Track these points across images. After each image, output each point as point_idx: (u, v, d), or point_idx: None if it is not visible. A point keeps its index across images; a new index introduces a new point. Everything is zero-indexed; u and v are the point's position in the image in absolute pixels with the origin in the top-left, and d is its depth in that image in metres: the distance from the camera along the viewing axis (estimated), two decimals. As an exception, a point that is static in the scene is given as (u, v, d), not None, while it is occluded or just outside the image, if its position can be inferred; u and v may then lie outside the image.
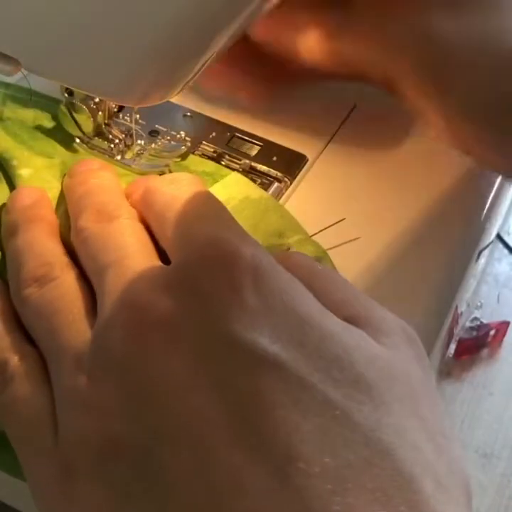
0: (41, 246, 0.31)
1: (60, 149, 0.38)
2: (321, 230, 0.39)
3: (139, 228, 0.30)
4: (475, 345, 0.47)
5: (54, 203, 0.35)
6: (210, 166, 0.40)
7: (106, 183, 0.33)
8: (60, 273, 0.29)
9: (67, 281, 0.29)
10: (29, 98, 0.40)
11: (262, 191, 0.39)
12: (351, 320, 0.26)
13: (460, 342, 0.46)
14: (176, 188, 0.31)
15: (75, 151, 0.39)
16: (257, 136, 0.43)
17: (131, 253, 0.28)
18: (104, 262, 0.28)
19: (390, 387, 0.24)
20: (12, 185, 0.36)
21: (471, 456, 0.44)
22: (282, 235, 0.36)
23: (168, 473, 0.22)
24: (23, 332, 0.29)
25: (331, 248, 0.37)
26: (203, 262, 0.26)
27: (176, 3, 0.28)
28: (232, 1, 0.30)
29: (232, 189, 0.38)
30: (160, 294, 0.25)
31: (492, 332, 0.47)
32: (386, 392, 0.24)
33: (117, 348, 0.25)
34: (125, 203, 0.32)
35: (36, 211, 0.33)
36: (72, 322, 0.27)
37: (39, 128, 0.39)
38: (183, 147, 0.41)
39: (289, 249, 0.36)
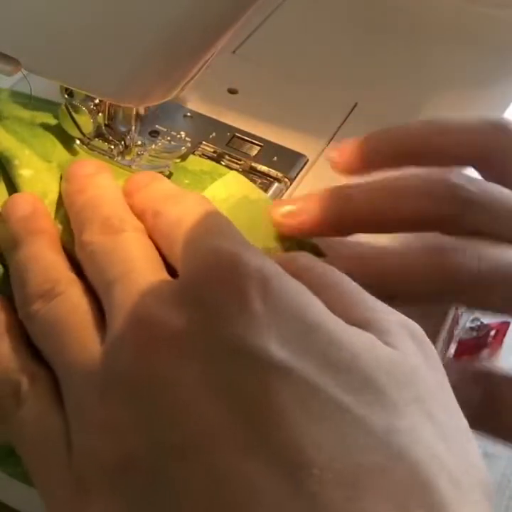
0: (45, 260, 0.31)
1: (59, 146, 0.38)
2: None
3: (146, 242, 0.30)
4: (475, 346, 0.47)
5: (53, 207, 0.35)
6: (208, 164, 0.40)
7: (106, 193, 0.33)
8: (66, 288, 0.29)
9: (74, 296, 0.29)
10: (28, 102, 0.40)
11: (261, 192, 0.39)
12: (357, 323, 0.26)
13: (460, 342, 0.46)
14: (182, 208, 0.31)
15: (75, 153, 0.39)
16: (257, 137, 0.43)
17: (138, 267, 0.28)
18: (111, 276, 0.28)
19: (399, 390, 0.24)
20: (11, 184, 0.36)
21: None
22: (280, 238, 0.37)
23: (182, 487, 0.23)
24: (32, 349, 0.29)
25: None
26: (208, 273, 0.26)
27: (175, 4, 0.28)
28: (233, 2, 0.30)
29: (231, 187, 0.38)
30: (167, 309, 0.25)
31: (492, 332, 0.47)
32: (396, 396, 0.24)
33: (128, 365, 0.25)
34: (129, 214, 0.32)
35: (36, 222, 0.33)
36: (80, 338, 0.27)
37: (39, 126, 0.39)
38: (184, 148, 0.41)
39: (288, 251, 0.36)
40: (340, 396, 0.23)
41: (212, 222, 0.30)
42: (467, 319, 0.47)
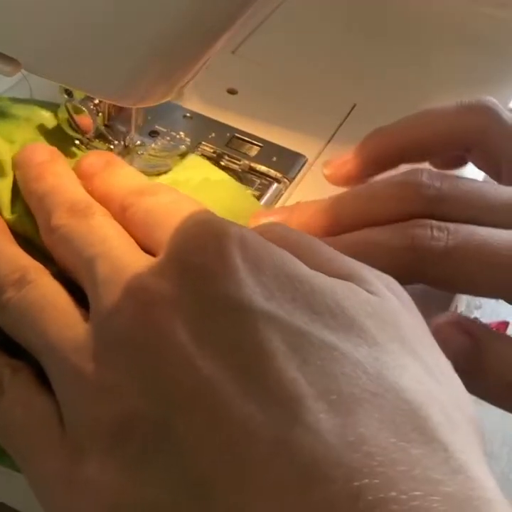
0: (7, 252, 0.31)
1: (22, 127, 0.38)
2: None
3: (119, 226, 0.31)
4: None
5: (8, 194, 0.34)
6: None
7: (66, 180, 0.33)
8: (36, 275, 0.29)
9: (45, 281, 0.29)
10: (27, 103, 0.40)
11: (222, 173, 0.39)
12: (337, 275, 0.27)
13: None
14: (156, 199, 0.31)
15: (73, 155, 0.38)
16: (257, 137, 0.44)
17: (117, 245, 0.29)
18: (91, 253, 0.28)
19: (383, 330, 0.25)
20: None
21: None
22: (247, 217, 0.37)
23: (184, 439, 0.23)
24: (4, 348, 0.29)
25: None
26: (192, 241, 0.27)
27: (175, 5, 0.28)
28: (232, 3, 0.30)
29: (191, 171, 0.39)
30: (157, 277, 0.26)
31: (491, 332, 0.47)
32: (379, 334, 0.25)
33: (124, 330, 0.25)
34: (94, 200, 0.32)
35: None
36: (62, 318, 0.28)
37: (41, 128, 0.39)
38: (183, 146, 0.41)
39: None
40: (326, 336, 0.24)
41: (189, 206, 0.30)
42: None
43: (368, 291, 0.27)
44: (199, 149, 0.42)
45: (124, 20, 0.29)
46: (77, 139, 0.39)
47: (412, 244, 0.33)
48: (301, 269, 0.26)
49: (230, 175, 0.40)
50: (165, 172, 0.39)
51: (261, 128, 0.44)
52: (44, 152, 0.35)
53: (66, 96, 0.37)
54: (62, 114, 0.38)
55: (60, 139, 0.39)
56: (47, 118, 0.39)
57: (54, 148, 0.35)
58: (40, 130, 0.39)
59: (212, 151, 0.42)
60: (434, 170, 0.35)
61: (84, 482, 0.24)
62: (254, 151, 0.43)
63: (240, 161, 0.42)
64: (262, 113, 0.45)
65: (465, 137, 0.38)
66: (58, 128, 0.39)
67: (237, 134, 0.44)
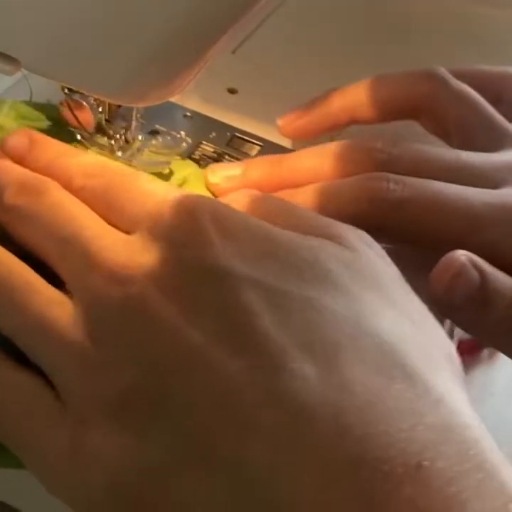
0: None
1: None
2: None
3: (76, 199, 0.30)
4: (475, 346, 0.46)
5: None
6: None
7: (7, 160, 0.33)
8: None
9: (5, 255, 0.29)
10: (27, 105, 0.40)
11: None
12: (312, 235, 0.28)
13: (460, 343, 0.46)
14: (108, 179, 0.31)
15: None
16: (257, 136, 0.44)
17: (86, 224, 0.29)
18: (62, 235, 0.29)
19: (357, 279, 0.27)
20: None
21: (471, 456, 0.44)
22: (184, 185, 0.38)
23: (180, 400, 0.24)
24: None
25: None
26: (167, 218, 0.28)
27: (175, 5, 0.28)
28: (231, 3, 0.30)
29: None
30: (138, 256, 0.27)
31: (492, 332, 0.47)
32: (355, 284, 0.26)
33: (114, 311, 0.26)
34: (43, 176, 0.32)
35: None
36: (41, 295, 0.28)
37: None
38: (184, 143, 0.41)
39: None
40: (305, 290, 0.26)
41: (146, 184, 0.31)
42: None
43: (342, 246, 0.28)
44: (199, 149, 0.42)
45: (123, 21, 0.29)
46: (79, 134, 0.39)
47: (368, 197, 0.34)
48: (275, 231, 0.28)
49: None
50: (164, 170, 0.39)
51: (261, 127, 0.44)
52: None
53: (67, 91, 0.37)
54: (63, 109, 0.38)
55: (60, 134, 0.38)
56: (37, 118, 0.39)
57: None
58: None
59: (212, 150, 0.42)
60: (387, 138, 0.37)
61: (89, 452, 0.25)
62: (254, 150, 0.43)
63: (240, 160, 0.42)
64: (262, 112, 0.45)
65: (413, 103, 0.39)
66: (51, 128, 0.39)
67: (237, 134, 0.44)
